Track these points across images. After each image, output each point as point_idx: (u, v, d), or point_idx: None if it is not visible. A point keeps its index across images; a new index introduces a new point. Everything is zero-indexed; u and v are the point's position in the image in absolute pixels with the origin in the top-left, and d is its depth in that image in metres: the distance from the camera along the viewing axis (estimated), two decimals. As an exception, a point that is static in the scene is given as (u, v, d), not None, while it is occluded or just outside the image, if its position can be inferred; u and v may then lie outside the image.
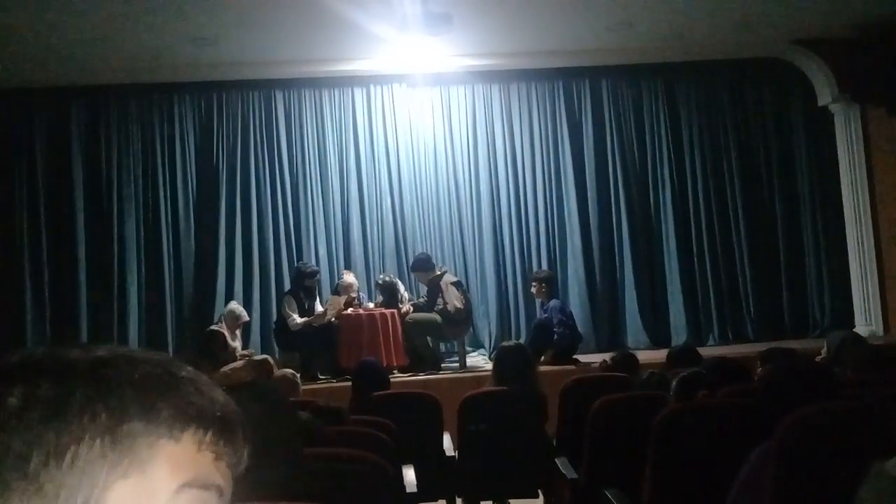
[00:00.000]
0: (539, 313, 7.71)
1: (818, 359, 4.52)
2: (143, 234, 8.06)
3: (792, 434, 1.80)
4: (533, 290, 7.64)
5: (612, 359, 5.10)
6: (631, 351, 5.48)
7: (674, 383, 3.03)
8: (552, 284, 7.62)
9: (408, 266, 8.27)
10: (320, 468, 1.58)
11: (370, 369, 4.70)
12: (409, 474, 3.82)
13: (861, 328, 7.80)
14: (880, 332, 8.11)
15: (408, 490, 3.67)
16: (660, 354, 6.19)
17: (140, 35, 6.96)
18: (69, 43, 7.02)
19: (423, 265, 7.49)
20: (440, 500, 4.47)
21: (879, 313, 8.20)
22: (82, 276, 7.85)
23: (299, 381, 5.07)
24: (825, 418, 1.84)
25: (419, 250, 8.01)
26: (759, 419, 2.22)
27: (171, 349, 7.87)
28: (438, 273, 7.41)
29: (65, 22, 6.57)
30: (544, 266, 8.29)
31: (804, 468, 1.80)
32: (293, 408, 1.81)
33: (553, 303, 7.37)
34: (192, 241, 8.15)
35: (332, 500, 1.23)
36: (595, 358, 6.68)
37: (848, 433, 1.82)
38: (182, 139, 8.22)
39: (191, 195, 8.22)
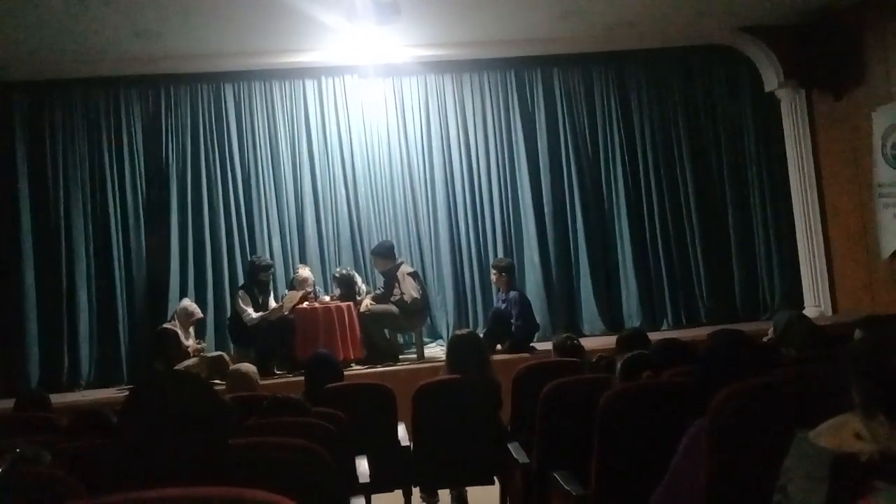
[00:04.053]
0: (497, 301, 7.74)
1: (765, 339, 4.59)
2: (91, 230, 7.89)
3: (724, 408, 1.83)
4: (493, 278, 7.67)
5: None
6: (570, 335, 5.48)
7: (618, 365, 3.06)
8: (512, 273, 7.66)
9: (364, 258, 8.24)
10: (249, 457, 1.57)
11: (323, 361, 4.67)
12: (363, 465, 3.81)
13: (810, 309, 7.98)
14: (829, 312, 8.29)
15: (361, 480, 3.66)
16: (614, 339, 6.25)
17: (84, 28, 6.80)
18: (11, 37, 6.84)
19: (386, 252, 7.46)
20: (396, 491, 4.47)
21: (828, 294, 8.39)
22: (29, 277, 7.65)
23: (257, 376, 5.03)
24: (757, 392, 1.87)
25: (375, 242, 7.97)
26: (699, 397, 2.24)
27: (123, 348, 7.74)
28: (395, 264, 7.40)
29: (6, 16, 6.40)
30: (500, 254, 8.32)
31: (737, 441, 1.83)
32: (220, 396, 1.78)
33: (512, 294, 7.40)
34: (143, 237, 8.00)
35: (261, 488, 1.22)
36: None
37: (779, 406, 1.85)
38: (129, 133, 8.06)
39: (140, 190, 8.06)
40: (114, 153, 8.01)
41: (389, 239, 8.00)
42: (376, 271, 7.79)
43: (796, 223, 8.54)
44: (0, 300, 7.63)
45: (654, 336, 4.78)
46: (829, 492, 1.41)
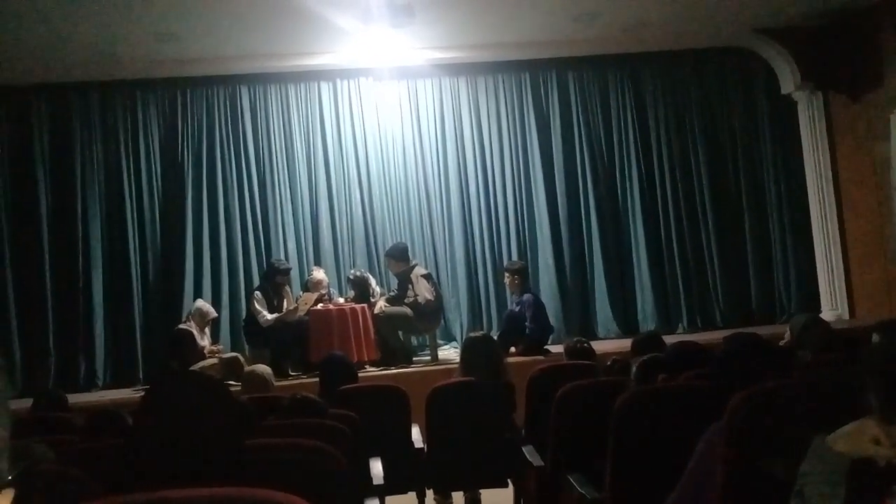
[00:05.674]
0: (511, 304, 7.72)
1: (782, 343, 4.56)
2: (107, 232, 7.95)
3: (740, 412, 1.82)
4: (506, 281, 7.65)
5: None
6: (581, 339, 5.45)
7: (634, 368, 3.05)
8: (525, 276, 7.64)
9: (378, 259, 8.26)
10: (263, 458, 1.57)
11: (337, 363, 4.68)
12: (377, 467, 3.81)
13: (827, 313, 7.92)
14: (846, 316, 8.22)
15: (375, 482, 3.66)
16: (630, 343, 6.22)
17: (102, 31, 6.86)
18: (30, 40, 6.90)
19: (400, 254, 7.47)
20: (410, 493, 4.47)
21: (845, 298, 8.31)
22: (47, 277, 7.72)
23: (272, 377, 5.03)
24: (773, 396, 1.86)
25: (389, 244, 7.98)
26: (715, 400, 2.23)
27: (139, 348, 7.79)
28: (409, 265, 7.40)
29: (25, 19, 6.46)
30: (514, 257, 8.30)
31: (753, 445, 1.82)
32: (235, 397, 1.79)
33: (526, 297, 7.37)
34: (159, 239, 8.06)
35: (276, 489, 1.22)
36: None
37: (796, 411, 1.83)
38: (146, 136, 8.12)
39: (156, 192, 8.12)
40: (131, 155, 8.08)
41: (403, 241, 8.01)
42: (390, 273, 7.80)
43: (813, 226, 8.48)
44: (18, 301, 7.70)
45: (669, 339, 4.77)
46: (847, 496, 1.40)
